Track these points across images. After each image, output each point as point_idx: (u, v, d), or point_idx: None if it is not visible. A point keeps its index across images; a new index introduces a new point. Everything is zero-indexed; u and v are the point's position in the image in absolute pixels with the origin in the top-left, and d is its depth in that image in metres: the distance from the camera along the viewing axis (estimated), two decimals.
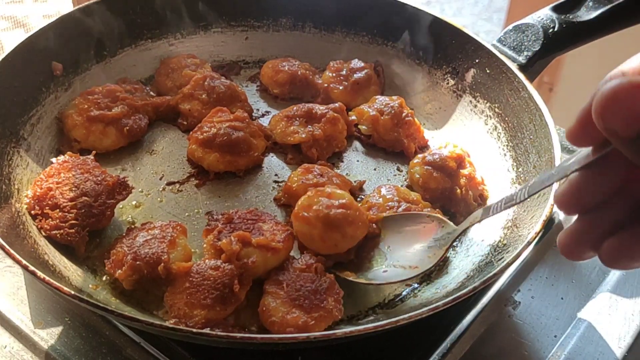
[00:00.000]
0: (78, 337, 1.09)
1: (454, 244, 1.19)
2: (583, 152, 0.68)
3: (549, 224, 1.35)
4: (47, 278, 0.94)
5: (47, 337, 1.09)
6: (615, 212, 0.69)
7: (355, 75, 1.55)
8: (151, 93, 1.52)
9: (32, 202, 1.17)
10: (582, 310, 1.20)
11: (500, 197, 0.96)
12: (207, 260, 1.09)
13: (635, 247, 0.67)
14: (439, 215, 1.20)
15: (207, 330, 0.99)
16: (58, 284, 0.93)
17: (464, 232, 1.13)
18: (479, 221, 1.07)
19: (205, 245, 1.14)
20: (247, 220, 1.16)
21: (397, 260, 1.15)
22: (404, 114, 1.44)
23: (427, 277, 1.20)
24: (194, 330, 0.93)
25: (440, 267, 1.20)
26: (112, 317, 1.00)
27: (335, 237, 1.14)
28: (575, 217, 0.73)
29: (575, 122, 0.66)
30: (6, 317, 1.11)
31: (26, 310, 1.12)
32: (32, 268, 0.95)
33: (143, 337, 1.08)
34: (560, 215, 1.38)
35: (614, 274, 1.26)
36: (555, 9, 1.41)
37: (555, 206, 0.80)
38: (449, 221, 1.17)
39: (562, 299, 1.22)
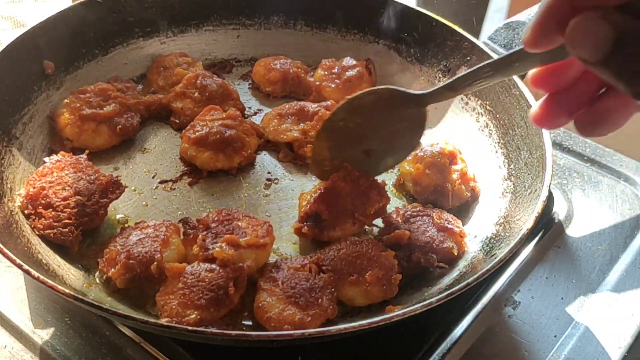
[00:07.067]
0: (78, 337, 1.09)
1: None
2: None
3: (549, 223, 1.36)
4: (41, 277, 0.93)
5: (47, 337, 1.08)
6: (586, 87, 0.79)
7: (347, 73, 1.55)
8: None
9: (25, 201, 1.16)
10: (582, 310, 1.19)
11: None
12: (201, 263, 1.08)
13: (607, 114, 0.76)
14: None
15: (201, 328, 0.99)
16: (52, 283, 0.93)
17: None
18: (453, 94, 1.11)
19: (192, 253, 1.12)
20: (222, 222, 1.15)
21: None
22: None
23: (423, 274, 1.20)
24: (189, 327, 0.93)
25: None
26: (106, 315, 1.00)
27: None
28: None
29: (533, 27, 0.71)
30: (6, 317, 1.11)
31: (26, 310, 1.12)
32: (26, 267, 0.94)
33: (143, 337, 1.08)
34: (560, 215, 1.38)
35: (614, 274, 1.26)
36: None
37: (531, 85, 0.87)
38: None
39: (562, 299, 1.21)
